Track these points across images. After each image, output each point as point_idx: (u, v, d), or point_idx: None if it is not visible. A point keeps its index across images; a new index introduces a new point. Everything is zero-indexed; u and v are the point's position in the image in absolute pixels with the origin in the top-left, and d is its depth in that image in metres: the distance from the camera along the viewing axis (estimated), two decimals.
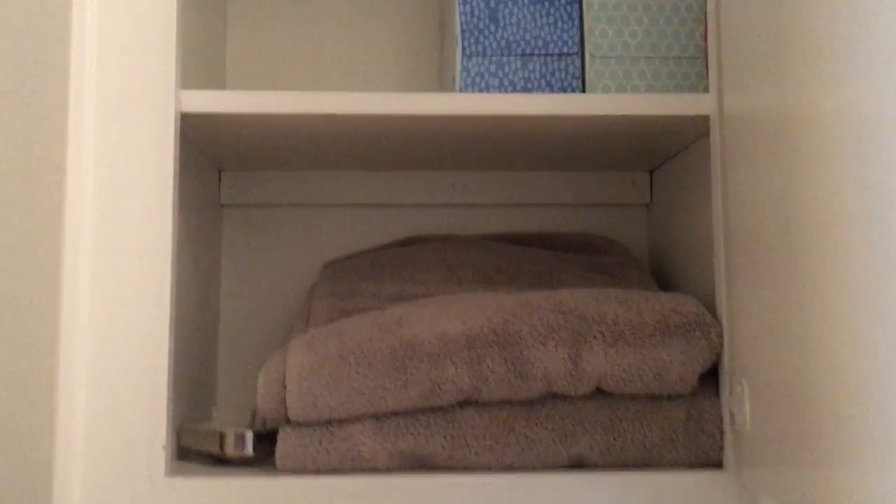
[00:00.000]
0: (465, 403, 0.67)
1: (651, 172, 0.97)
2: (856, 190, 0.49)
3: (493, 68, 0.76)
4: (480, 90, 0.75)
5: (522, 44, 0.76)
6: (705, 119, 0.72)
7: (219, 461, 0.71)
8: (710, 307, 0.73)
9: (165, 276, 0.66)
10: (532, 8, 0.76)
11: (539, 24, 0.76)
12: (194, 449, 0.71)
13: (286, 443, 0.66)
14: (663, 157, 0.89)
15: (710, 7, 0.74)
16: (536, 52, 0.76)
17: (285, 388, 0.66)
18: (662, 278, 0.91)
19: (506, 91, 0.76)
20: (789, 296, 0.58)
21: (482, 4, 0.76)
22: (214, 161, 0.89)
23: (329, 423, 0.66)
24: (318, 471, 0.66)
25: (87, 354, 0.65)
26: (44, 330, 0.63)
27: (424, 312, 0.68)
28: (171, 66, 0.67)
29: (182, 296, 0.73)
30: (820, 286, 0.53)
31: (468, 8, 0.76)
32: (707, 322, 0.68)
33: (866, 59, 0.48)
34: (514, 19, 0.76)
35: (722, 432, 0.68)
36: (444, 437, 0.66)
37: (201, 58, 0.82)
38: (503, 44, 0.76)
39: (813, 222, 0.54)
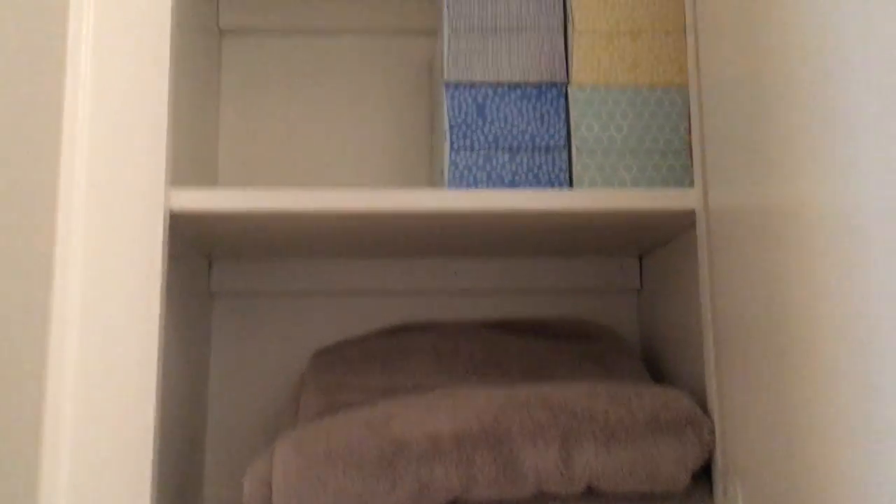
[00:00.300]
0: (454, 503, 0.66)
1: (641, 258, 0.97)
2: (840, 282, 0.49)
3: (480, 162, 0.77)
4: (469, 184, 0.76)
5: (510, 138, 0.77)
6: (691, 213, 0.73)
7: None
8: (702, 400, 0.72)
9: (151, 369, 0.66)
10: (519, 104, 0.78)
11: (526, 118, 0.77)
12: None
13: None
14: (652, 244, 0.89)
15: (693, 104, 0.75)
16: (524, 146, 0.77)
17: (272, 489, 0.64)
18: (654, 364, 0.91)
19: (494, 184, 0.76)
20: (779, 393, 0.57)
21: (470, 100, 0.77)
22: (204, 250, 0.89)
23: None
24: None
25: (70, 449, 0.64)
26: (26, 427, 0.62)
27: (413, 410, 0.68)
28: (161, 164, 0.68)
29: (168, 388, 0.72)
30: (809, 381, 0.53)
31: (456, 103, 0.77)
32: (698, 418, 0.67)
33: (844, 155, 0.49)
34: (501, 114, 0.77)
35: None
36: None
37: (193, 153, 0.83)
38: (491, 138, 0.77)
39: (799, 316, 0.54)
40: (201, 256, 0.90)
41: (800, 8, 0.55)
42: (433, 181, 0.91)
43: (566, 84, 0.78)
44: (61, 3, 0.69)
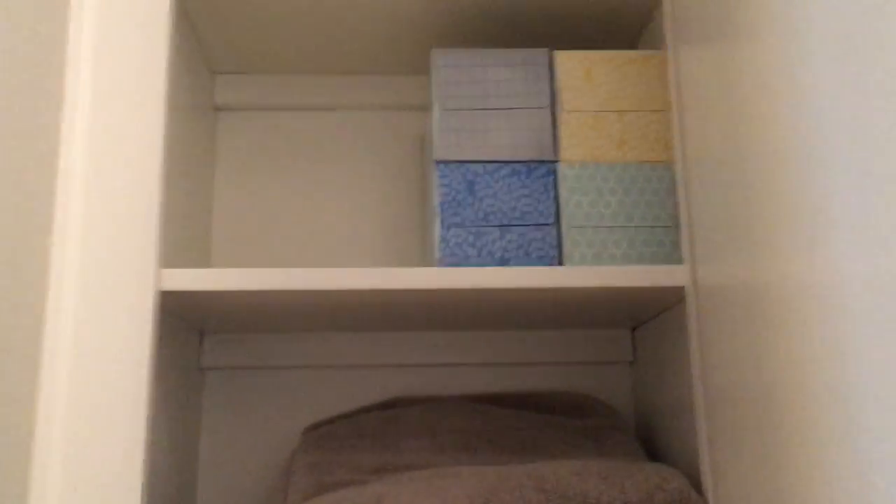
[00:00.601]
0: None
1: (633, 330, 0.97)
2: (826, 356, 0.49)
3: (471, 238, 0.77)
4: (460, 260, 0.77)
5: (500, 215, 0.78)
6: (681, 290, 0.73)
7: None
8: (696, 477, 0.71)
9: (139, 444, 0.65)
10: (509, 181, 0.79)
11: (516, 195, 0.78)
12: None
13: None
14: (644, 317, 0.89)
15: (679, 181, 0.77)
16: (514, 222, 0.78)
17: None
18: (649, 437, 0.90)
19: (484, 260, 0.77)
20: (772, 468, 0.57)
21: (460, 177, 0.78)
22: (196, 325, 0.89)
23: None
24: None
25: None
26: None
27: (404, 491, 0.67)
28: (152, 245, 0.69)
29: (156, 464, 0.71)
30: (801, 456, 0.53)
31: (447, 180, 0.78)
32: (692, 500, 0.67)
33: (824, 232, 0.49)
34: (491, 191, 0.78)
35: None
36: None
37: (186, 231, 0.83)
38: (481, 215, 0.78)
39: (788, 390, 0.54)
40: (193, 331, 0.90)
41: (780, 89, 0.56)
42: (425, 255, 0.92)
43: (555, 161, 0.79)
44: (57, 81, 0.70)
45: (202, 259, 0.94)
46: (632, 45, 0.95)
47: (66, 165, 0.70)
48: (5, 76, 0.61)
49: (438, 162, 0.79)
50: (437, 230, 0.78)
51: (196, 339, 0.92)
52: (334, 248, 0.99)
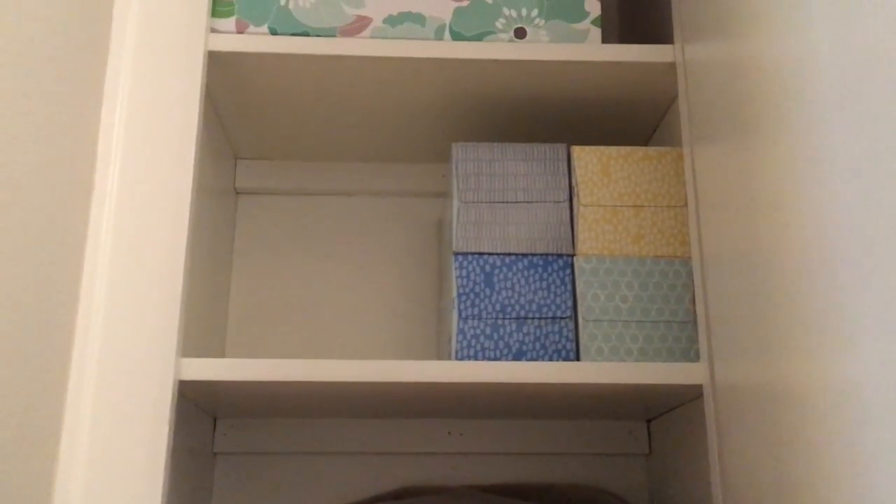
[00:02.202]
0: None
1: (649, 421, 0.96)
2: (844, 456, 0.49)
3: (488, 331, 0.78)
4: (476, 352, 0.77)
5: (517, 308, 0.78)
6: (698, 387, 0.73)
7: None
8: None
9: None
10: (526, 273, 0.79)
11: (533, 288, 0.79)
12: None
13: None
14: (660, 410, 0.89)
15: (696, 276, 0.77)
16: (530, 315, 0.78)
17: None
18: None
19: (501, 353, 0.77)
20: None
21: (478, 269, 0.79)
22: (210, 410, 0.89)
23: None
24: None
25: None
26: None
27: None
28: (173, 335, 0.69)
29: None
30: None
31: (465, 272, 0.79)
32: None
33: (843, 333, 0.49)
34: (508, 284, 0.79)
35: None
36: None
37: (205, 319, 0.84)
38: (498, 307, 0.78)
39: (808, 490, 0.54)
40: (207, 417, 0.90)
41: (794, 187, 0.57)
42: (440, 342, 0.92)
43: (572, 255, 0.80)
44: (88, 167, 0.72)
45: (218, 342, 0.94)
46: (646, 139, 0.97)
47: (94, 253, 0.71)
48: (39, 159, 0.63)
49: (457, 254, 0.80)
50: (454, 322, 0.78)
51: (209, 425, 0.91)
52: (350, 332, 0.99)
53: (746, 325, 0.65)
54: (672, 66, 0.82)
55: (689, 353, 0.77)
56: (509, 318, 0.78)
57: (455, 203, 0.81)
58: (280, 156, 1.03)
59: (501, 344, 0.78)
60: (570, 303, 0.79)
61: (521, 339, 0.78)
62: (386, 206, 1.05)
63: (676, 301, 0.79)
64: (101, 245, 0.71)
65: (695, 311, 0.78)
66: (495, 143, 0.83)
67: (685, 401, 0.81)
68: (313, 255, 1.02)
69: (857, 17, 0.49)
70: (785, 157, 0.59)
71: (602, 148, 0.83)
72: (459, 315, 0.78)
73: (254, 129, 0.95)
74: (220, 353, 0.95)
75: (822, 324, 0.53)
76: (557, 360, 0.76)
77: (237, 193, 1.04)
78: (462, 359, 0.76)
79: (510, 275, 0.80)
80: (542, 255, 0.80)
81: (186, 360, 0.70)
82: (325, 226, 1.04)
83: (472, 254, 0.80)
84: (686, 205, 0.82)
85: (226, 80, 0.84)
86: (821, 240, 0.53)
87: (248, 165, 1.03)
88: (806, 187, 0.55)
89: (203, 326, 0.84)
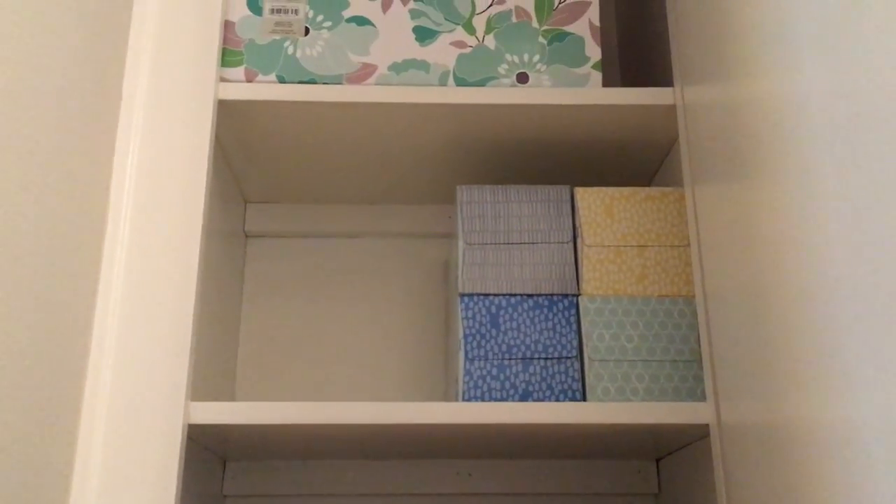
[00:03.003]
0: None
1: (658, 461, 0.96)
2: (848, 495, 0.49)
3: (494, 371, 0.78)
4: (483, 393, 0.77)
5: (523, 348, 0.79)
6: (705, 427, 0.73)
7: None
8: None
9: None
10: (531, 314, 0.80)
11: (538, 328, 0.79)
12: None
13: None
14: (668, 449, 0.89)
15: (700, 316, 0.78)
16: (536, 355, 0.79)
17: None
18: None
19: (507, 394, 0.77)
20: None
21: (484, 310, 0.80)
22: (219, 453, 0.89)
23: None
24: None
25: None
26: None
27: None
28: (182, 380, 0.70)
29: None
30: None
31: (471, 313, 0.80)
32: None
33: (842, 372, 0.50)
34: (514, 324, 0.80)
35: None
36: None
37: (214, 362, 0.85)
38: (504, 348, 0.79)
39: None
40: (216, 460, 0.90)
41: (791, 224, 0.57)
42: (447, 381, 0.92)
43: (577, 295, 0.81)
44: (99, 214, 0.73)
45: (227, 384, 0.95)
46: (649, 179, 0.98)
47: (105, 297, 0.72)
48: (51, 204, 0.64)
49: (462, 295, 0.81)
50: (460, 363, 0.79)
51: (219, 467, 0.92)
52: (359, 373, 1.00)
53: (750, 363, 0.66)
54: (672, 109, 0.84)
55: (696, 391, 0.77)
56: (515, 359, 0.79)
57: (460, 245, 0.82)
58: (289, 199, 1.04)
59: (508, 384, 0.78)
60: (575, 343, 0.80)
61: (527, 379, 0.78)
62: (393, 248, 1.06)
63: (682, 340, 0.79)
64: (112, 289, 0.73)
65: (700, 351, 0.78)
66: (499, 186, 0.84)
67: (693, 440, 0.81)
68: (321, 296, 1.03)
69: (848, 61, 0.50)
70: (781, 197, 0.60)
71: (605, 189, 0.84)
72: (466, 356, 0.79)
73: (263, 173, 0.97)
74: (230, 395, 0.96)
75: (822, 363, 0.53)
76: (564, 400, 0.77)
77: (247, 236, 1.05)
78: (469, 399, 0.77)
79: (516, 315, 0.80)
80: (547, 295, 0.81)
81: (196, 404, 0.71)
82: (333, 267, 1.05)
83: (478, 295, 0.81)
84: (689, 244, 0.82)
85: (235, 127, 0.86)
86: (819, 279, 0.54)
87: (258, 209, 1.05)
88: (802, 226, 0.56)
89: (212, 368, 0.85)
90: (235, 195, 0.99)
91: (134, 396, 0.69)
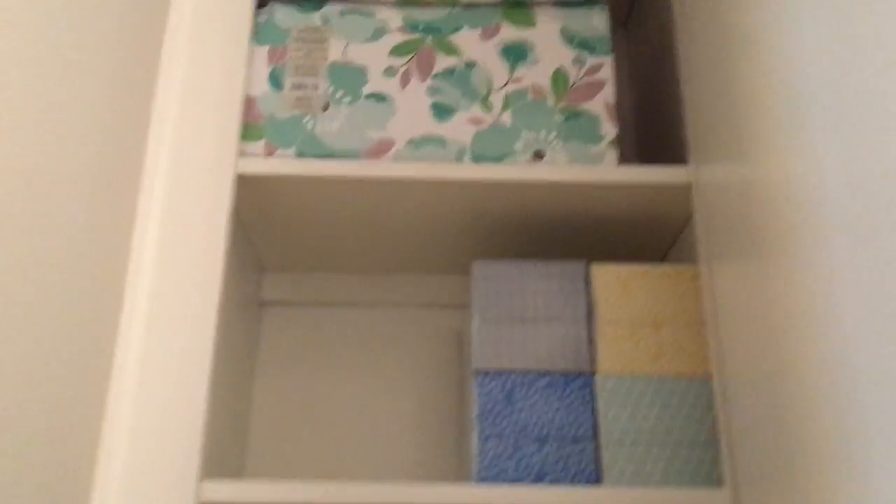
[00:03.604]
0: None
1: None
2: None
3: (509, 451, 0.77)
4: (497, 473, 0.76)
5: (538, 427, 0.78)
6: None
7: None
8: None
9: None
10: (546, 392, 0.79)
11: (553, 407, 0.79)
12: None
13: None
14: None
15: (717, 397, 0.77)
16: (551, 436, 0.78)
17: None
18: None
19: (522, 475, 0.76)
20: None
21: (499, 388, 0.79)
22: None
23: None
24: None
25: None
26: None
27: None
28: (194, 456, 0.69)
29: None
30: None
31: (485, 391, 0.79)
32: None
33: (865, 464, 0.49)
34: (529, 403, 0.79)
35: None
36: None
37: (226, 435, 0.84)
38: (519, 427, 0.78)
39: None
40: None
41: (809, 304, 0.57)
42: (462, 467, 0.91)
43: (592, 373, 0.80)
44: (117, 289, 0.74)
45: (239, 458, 0.94)
46: (663, 255, 0.98)
47: (120, 375, 0.72)
48: (71, 280, 0.65)
49: (477, 372, 0.80)
50: (474, 442, 0.78)
51: None
52: (371, 448, 0.99)
53: (769, 448, 0.65)
54: (687, 187, 0.84)
55: (712, 476, 0.76)
56: (530, 439, 0.78)
57: (476, 320, 0.82)
58: (305, 268, 1.05)
59: (522, 465, 0.77)
60: (590, 423, 0.79)
61: (542, 459, 0.77)
62: (408, 317, 1.06)
63: (698, 422, 0.78)
64: (127, 364, 0.73)
65: (717, 433, 0.77)
66: (515, 261, 0.84)
67: None
68: (335, 366, 1.03)
69: (861, 142, 0.50)
70: (798, 277, 0.59)
71: (620, 266, 0.84)
72: (480, 435, 0.78)
73: (280, 242, 0.98)
74: (241, 469, 0.95)
75: (843, 450, 0.52)
76: (579, 483, 0.76)
77: (262, 305, 1.05)
78: (483, 479, 0.76)
79: (530, 393, 0.80)
80: (562, 373, 0.80)
81: (207, 483, 0.70)
82: (347, 337, 1.05)
83: (493, 372, 0.80)
84: (705, 323, 0.82)
85: (254, 200, 0.87)
86: (839, 360, 0.53)
87: (274, 277, 1.05)
88: (819, 307, 0.56)
89: (225, 443, 0.84)
90: (252, 263, 0.99)
91: (146, 474, 0.69)
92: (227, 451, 0.86)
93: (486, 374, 0.80)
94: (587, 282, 0.84)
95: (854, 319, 0.51)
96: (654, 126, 1.02)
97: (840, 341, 0.53)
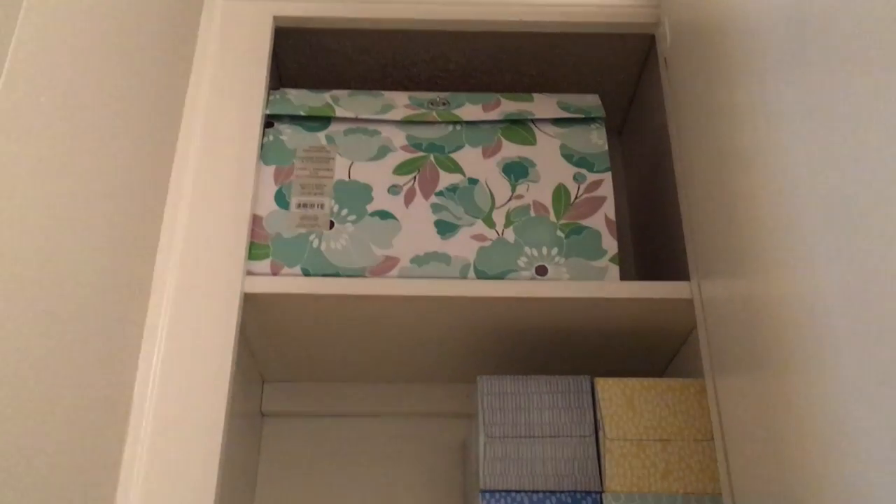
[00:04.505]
0: None
1: None
2: None
3: None
4: None
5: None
6: None
7: None
8: None
9: None
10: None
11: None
12: None
13: None
14: None
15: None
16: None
17: None
18: None
19: None
20: None
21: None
22: None
23: None
24: None
25: None
26: None
27: None
28: None
29: None
30: None
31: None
32: None
33: None
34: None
35: None
36: None
37: None
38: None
39: None
40: None
41: (815, 418, 0.57)
42: None
43: (601, 492, 0.79)
44: (123, 411, 0.73)
45: None
46: (663, 368, 0.98)
47: (125, 493, 0.71)
48: (76, 403, 0.64)
49: (483, 492, 0.79)
50: None
51: None
52: None
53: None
54: (689, 302, 0.85)
55: None
56: None
57: (481, 438, 0.82)
58: (306, 377, 1.04)
59: None
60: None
61: None
62: (410, 427, 1.05)
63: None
64: (132, 486, 0.72)
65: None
66: (520, 376, 0.84)
67: None
68: (336, 477, 1.02)
69: (858, 252, 0.51)
70: (803, 390, 0.59)
71: (625, 380, 0.84)
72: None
73: (282, 354, 0.98)
74: None
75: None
76: None
77: (263, 416, 1.05)
78: None
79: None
80: (570, 492, 0.80)
81: None
82: (349, 447, 1.03)
83: (500, 491, 0.79)
84: (712, 438, 0.82)
85: (259, 317, 0.87)
86: (851, 477, 0.53)
87: (275, 388, 1.05)
88: (826, 420, 0.55)
89: None
90: (254, 376, 0.99)
91: None
92: None
93: (493, 494, 0.79)
94: (592, 396, 0.84)
95: (867, 435, 0.51)
96: (653, 241, 1.03)
97: (853, 458, 0.53)
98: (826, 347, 0.56)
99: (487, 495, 0.79)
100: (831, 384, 0.55)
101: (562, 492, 0.80)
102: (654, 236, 1.04)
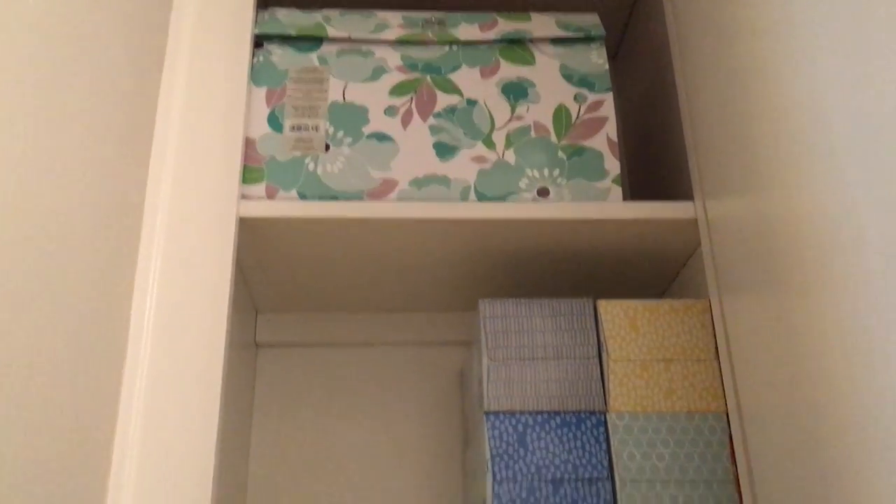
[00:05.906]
0: None
1: None
2: None
3: (524, 494, 0.76)
4: None
5: (552, 468, 0.77)
6: None
7: None
8: None
9: None
10: (559, 432, 0.78)
11: (567, 447, 0.78)
12: None
13: None
14: None
15: (735, 432, 0.76)
16: (566, 476, 0.77)
17: None
18: None
19: None
20: None
21: (511, 429, 0.78)
22: None
23: None
24: None
25: None
26: None
27: None
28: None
29: None
30: None
31: (497, 433, 0.78)
32: None
33: None
34: (542, 444, 0.78)
35: None
36: None
37: (227, 478, 0.82)
38: (533, 469, 0.77)
39: None
40: None
41: (836, 336, 0.56)
42: (466, 500, 0.89)
43: (605, 412, 0.79)
44: (121, 337, 0.72)
45: (238, 499, 0.91)
46: (664, 289, 0.98)
47: (124, 428, 0.70)
48: (75, 324, 0.63)
49: (488, 414, 0.79)
50: (488, 486, 0.76)
51: None
52: (372, 487, 0.97)
53: (794, 485, 0.64)
54: (693, 222, 0.84)
55: None
56: (545, 480, 0.77)
57: (484, 361, 0.81)
58: (301, 308, 1.03)
59: None
60: (605, 462, 0.78)
61: (557, 502, 0.76)
62: (407, 356, 1.04)
63: (714, 459, 0.77)
64: (131, 419, 0.70)
65: (733, 470, 0.76)
66: (522, 300, 0.83)
67: None
68: (334, 408, 1.01)
69: (887, 164, 0.50)
70: (824, 307, 0.59)
71: (628, 301, 0.83)
72: (494, 478, 0.76)
73: (277, 283, 0.96)
74: None
75: (881, 481, 0.51)
76: None
77: (257, 347, 1.03)
78: None
79: (543, 434, 0.78)
80: (574, 412, 0.79)
81: None
82: (346, 377, 1.03)
83: (504, 413, 0.79)
84: (717, 357, 0.81)
85: (255, 243, 0.85)
86: (870, 389, 0.53)
87: (269, 319, 1.03)
88: (855, 341, 0.55)
89: (225, 486, 0.82)
90: (247, 305, 0.97)
91: None
92: (227, 494, 0.83)
93: (498, 415, 0.79)
94: (595, 318, 0.83)
95: (889, 348, 0.51)
96: (655, 161, 1.02)
97: (883, 376, 0.52)
98: (857, 266, 0.55)
99: (492, 417, 0.79)
100: (863, 303, 0.54)
101: (566, 412, 0.80)
102: (648, 161, 1.02)
